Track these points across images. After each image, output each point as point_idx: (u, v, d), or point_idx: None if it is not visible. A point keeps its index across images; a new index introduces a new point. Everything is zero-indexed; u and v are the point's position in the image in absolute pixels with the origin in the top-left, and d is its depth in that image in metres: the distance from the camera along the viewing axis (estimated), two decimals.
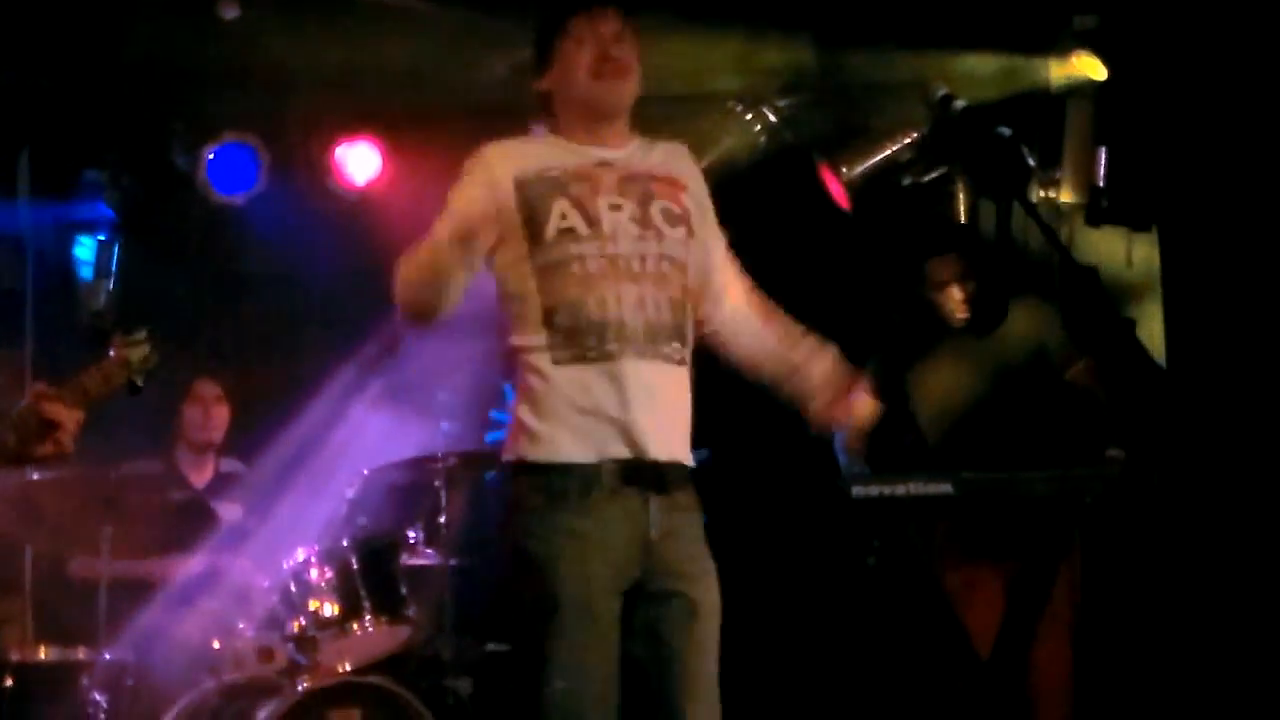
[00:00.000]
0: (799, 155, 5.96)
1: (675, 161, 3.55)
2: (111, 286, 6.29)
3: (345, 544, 5.65)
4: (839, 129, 5.72)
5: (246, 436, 6.39)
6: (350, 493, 5.84)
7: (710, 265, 3.51)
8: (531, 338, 3.33)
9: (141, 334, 3.51)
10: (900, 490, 4.68)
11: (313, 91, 6.41)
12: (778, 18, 5.70)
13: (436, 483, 5.87)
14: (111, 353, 3.45)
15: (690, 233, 3.42)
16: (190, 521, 5.73)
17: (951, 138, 4.87)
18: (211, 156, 6.51)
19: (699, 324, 3.48)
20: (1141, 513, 5.33)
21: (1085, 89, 5.26)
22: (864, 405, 3.36)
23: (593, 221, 3.33)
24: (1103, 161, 5.25)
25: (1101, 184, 5.28)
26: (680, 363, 3.37)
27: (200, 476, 6.16)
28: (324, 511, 5.86)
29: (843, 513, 4.58)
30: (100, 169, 6.62)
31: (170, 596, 5.55)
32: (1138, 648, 5.47)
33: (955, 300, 5.10)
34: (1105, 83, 5.23)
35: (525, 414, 3.32)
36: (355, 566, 5.60)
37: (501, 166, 3.38)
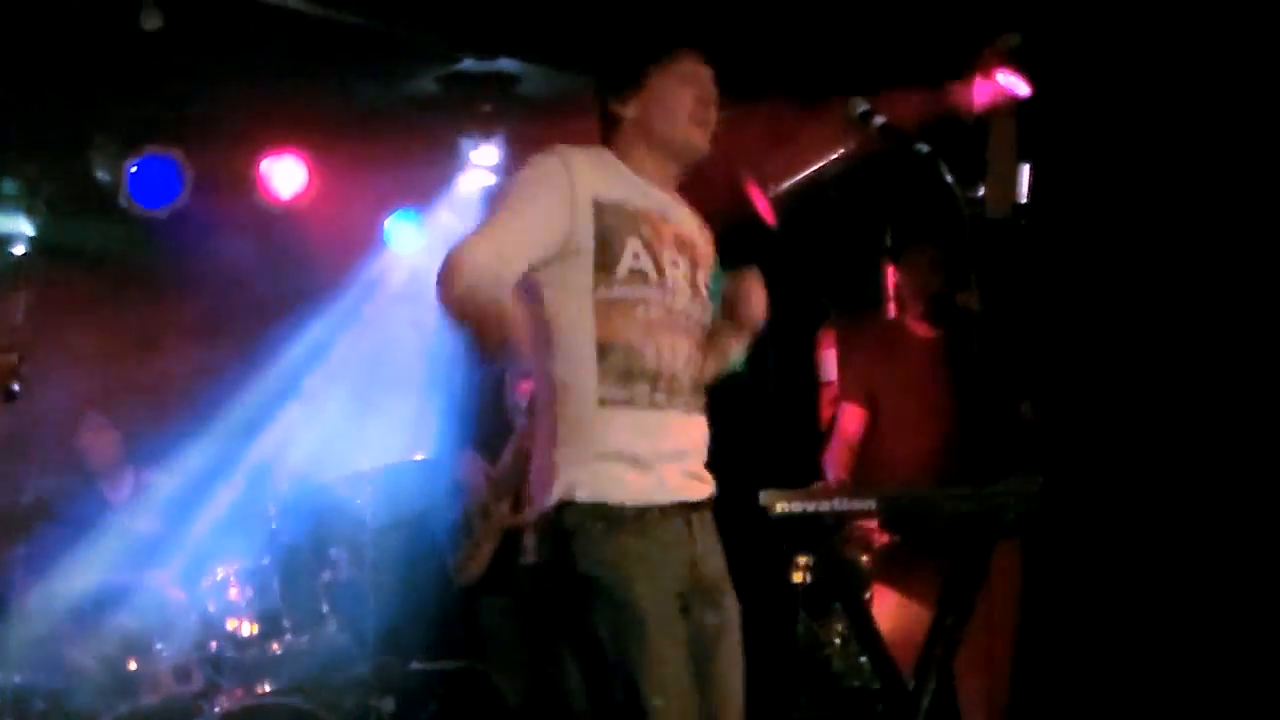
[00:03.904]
0: (727, 169, 5.95)
1: (703, 232, 3.52)
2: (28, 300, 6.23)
3: (266, 562, 5.60)
4: (766, 144, 5.71)
5: (168, 449, 6.33)
6: (272, 509, 5.78)
7: None
8: (576, 371, 3.23)
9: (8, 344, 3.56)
10: (824, 507, 4.67)
11: (237, 105, 6.34)
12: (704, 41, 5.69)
13: (359, 500, 5.82)
14: None
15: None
16: (103, 537, 5.65)
17: (873, 153, 4.88)
18: (134, 169, 6.42)
19: None
20: (1074, 531, 5.36)
21: (1009, 106, 5.28)
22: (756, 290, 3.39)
23: (660, 270, 3.29)
24: (1025, 179, 5.27)
25: (1024, 201, 5.31)
26: (704, 412, 3.39)
27: (117, 492, 6.08)
28: (244, 528, 5.80)
29: (764, 531, 4.56)
30: (19, 181, 6.52)
31: (83, 615, 5.46)
32: (1076, 668, 5.50)
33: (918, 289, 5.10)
34: (1028, 100, 5.25)
35: (564, 456, 3.23)
36: (275, 585, 5.56)
37: (583, 180, 3.25)
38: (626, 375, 3.22)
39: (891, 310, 5.40)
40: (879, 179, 5.43)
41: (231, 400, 6.63)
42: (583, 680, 3.21)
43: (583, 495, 3.19)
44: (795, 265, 6.39)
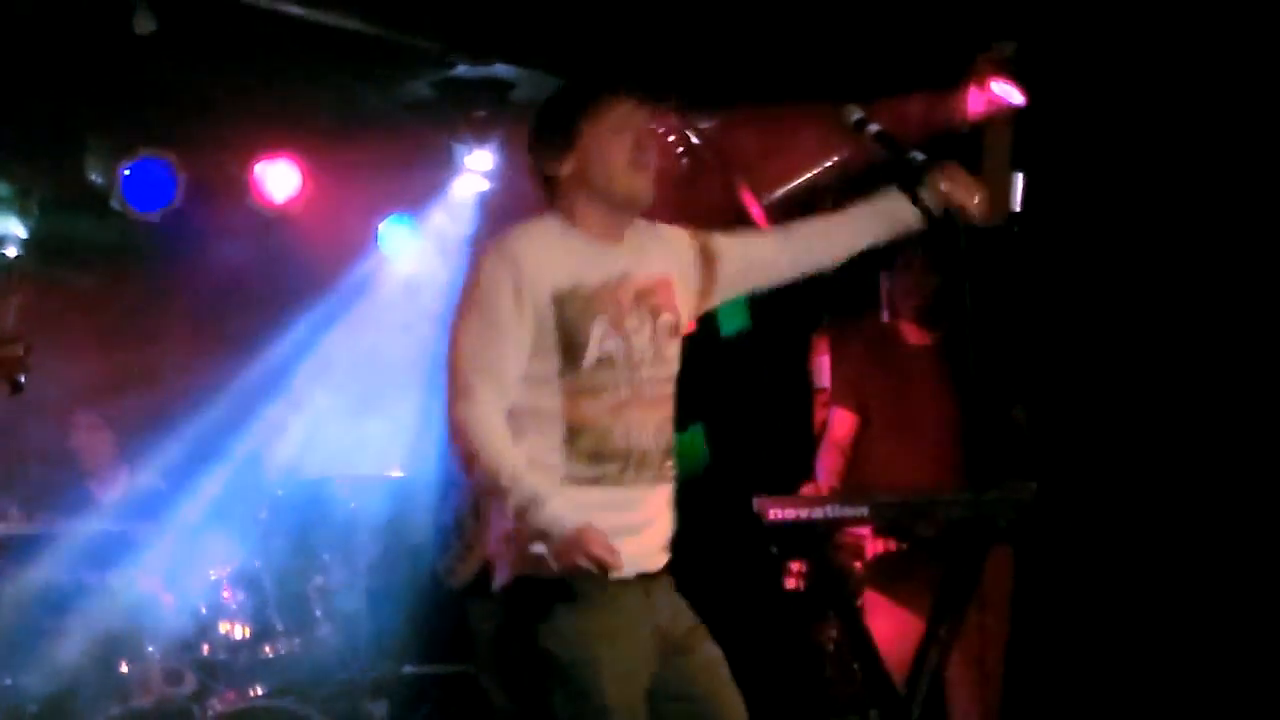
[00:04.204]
0: (720, 176, 5.96)
1: (667, 254, 3.44)
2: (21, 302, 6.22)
3: (258, 565, 5.60)
4: (760, 151, 5.72)
5: (163, 451, 6.33)
6: (264, 512, 5.78)
7: (748, 253, 3.56)
8: (546, 451, 3.21)
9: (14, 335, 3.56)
10: (817, 514, 4.66)
11: (231, 108, 6.34)
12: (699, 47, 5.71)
13: (352, 504, 5.82)
14: None
15: (679, 338, 3.40)
16: (97, 539, 5.64)
17: (867, 162, 4.89)
18: (127, 172, 6.41)
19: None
20: (1066, 536, 5.37)
21: (1003, 114, 5.28)
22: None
23: (627, 349, 3.26)
24: (1019, 187, 5.28)
25: (1018, 209, 5.32)
26: (673, 479, 3.38)
27: (108, 492, 6.08)
28: (237, 531, 5.79)
29: (757, 537, 4.56)
30: (12, 183, 6.52)
31: (73, 617, 5.45)
32: (1068, 674, 5.51)
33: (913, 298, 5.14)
34: (1023, 109, 5.26)
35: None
36: (268, 588, 5.56)
37: (537, 278, 3.20)
38: (596, 456, 3.21)
39: (884, 316, 5.41)
40: (873, 186, 5.44)
41: (224, 403, 6.63)
42: None
43: (545, 570, 3.13)
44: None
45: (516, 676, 3.22)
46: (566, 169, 3.31)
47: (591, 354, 3.21)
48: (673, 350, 3.39)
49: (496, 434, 3.14)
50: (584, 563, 3.01)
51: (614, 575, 3.10)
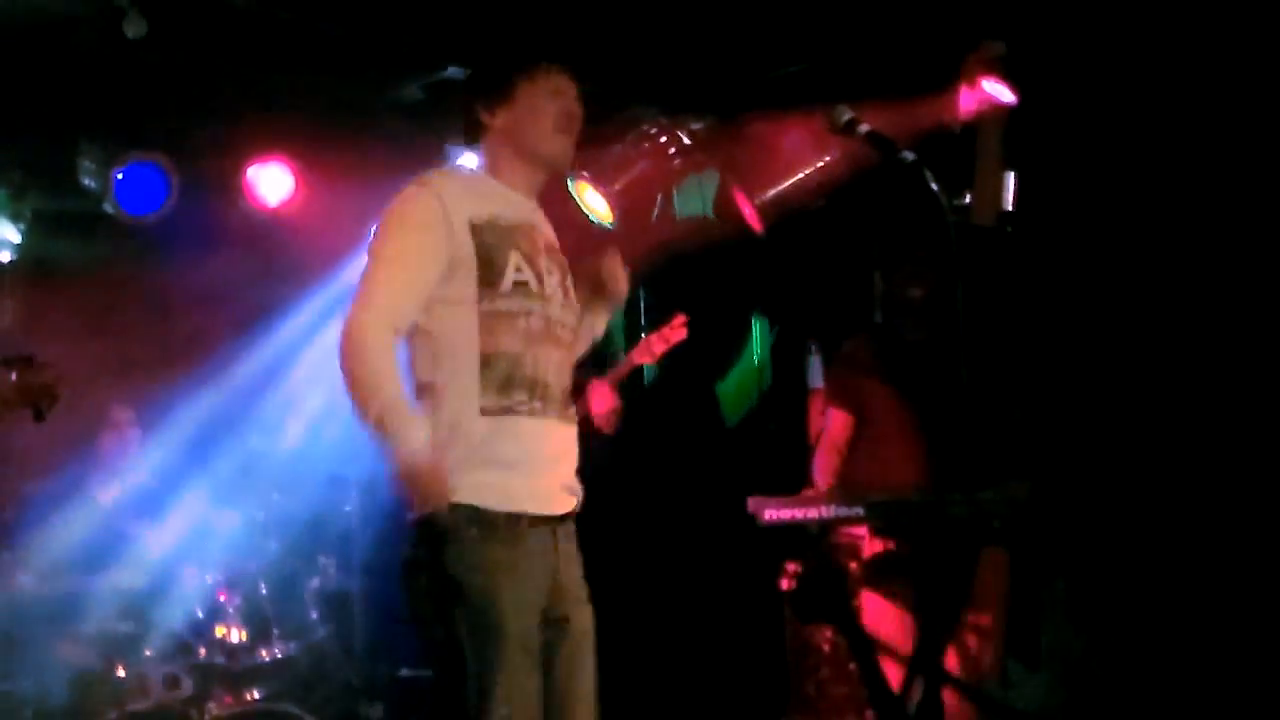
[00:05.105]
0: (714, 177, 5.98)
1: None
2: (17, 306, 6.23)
3: (254, 569, 5.60)
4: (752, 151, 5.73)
5: (159, 454, 6.33)
6: (260, 515, 5.78)
7: None
8: (458, 380, 3.33)
9: (44, 362, 3.52)
10: (813, 514, 4.67)
11: (224, 111, 6.34)
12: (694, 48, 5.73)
13: (347, 507, 5.82)
14: (13, 377, 3.45)
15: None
16: (96, 541, 5.64)
17: (859, 162, 4.90)
18: (120, 176, 6.40)
19: None
20: (1060, 536, 5.38)
21: (995, 114, 5.29)
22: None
23: (540, 280, 3.42)
24: (1011, 187, 5.29)
25: (1010, 209, 5.33)
26: (576, 422, 3.53)
27: (108, 495, 6.06)
28: (233, 535, 5.79)
29: (753, 537, 4.57)
30: (5, 188, 6.51)
31: (70, 621, 5.45)
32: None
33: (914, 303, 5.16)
34: (1014, 108, 5.27)
35: (444, 460, 3.30)
36: (264, 592, 5.56)
37: (456, 207, 3.37)
38: (506, 384, 3.34)
39: (878, 317, 5.42)
40: (865, 186, 5.46)
41: (219, 405, 6.63)
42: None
43: (459, 498, 3.27)
44: (783, 272, 6.42)
45: (422, 601, 3.36)
46: (500, 121, 3.52)
47: (508, 278, 3.36)
48: (577, 307, 3.57)
49: (376, 346, 3.26)
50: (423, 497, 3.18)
51: (524, 511, 3.30)
